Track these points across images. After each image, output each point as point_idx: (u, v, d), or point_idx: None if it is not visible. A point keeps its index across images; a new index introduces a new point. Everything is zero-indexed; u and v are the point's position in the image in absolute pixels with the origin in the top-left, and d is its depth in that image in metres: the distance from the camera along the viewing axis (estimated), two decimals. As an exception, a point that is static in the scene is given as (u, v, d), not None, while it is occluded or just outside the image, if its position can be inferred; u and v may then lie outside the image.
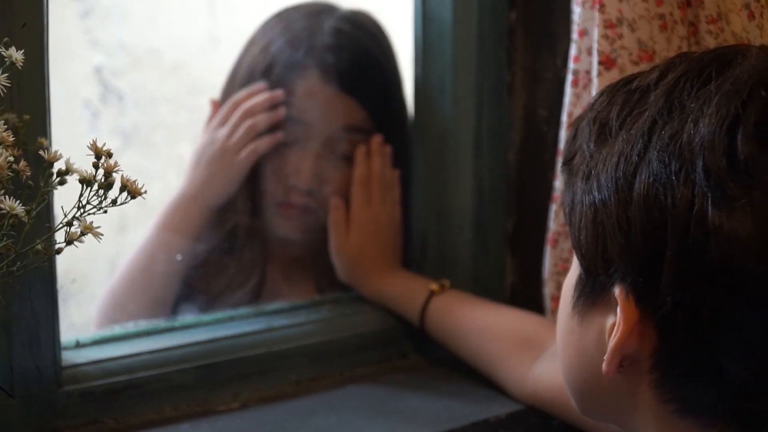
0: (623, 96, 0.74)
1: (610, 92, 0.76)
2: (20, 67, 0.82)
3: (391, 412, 1.09)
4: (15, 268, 0.82)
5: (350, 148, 1.31)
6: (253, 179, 1.35)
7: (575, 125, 0.78)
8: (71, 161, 0.81)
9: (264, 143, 1.30)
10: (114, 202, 0.81)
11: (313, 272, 1.38)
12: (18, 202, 0.78)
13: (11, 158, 0.79)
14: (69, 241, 0.80)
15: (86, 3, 1.73)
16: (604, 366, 0.71)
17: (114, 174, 0.80)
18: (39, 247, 0.81)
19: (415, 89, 1.27)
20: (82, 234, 0.79)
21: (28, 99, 0.92)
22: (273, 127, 1.31)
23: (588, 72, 1.05)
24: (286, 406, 1.11)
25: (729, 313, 0.64)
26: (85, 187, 0.80)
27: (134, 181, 0.81)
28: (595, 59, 1.01)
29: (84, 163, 0.80)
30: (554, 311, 1.14)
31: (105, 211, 0.81)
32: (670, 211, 0.66)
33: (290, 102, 1.31)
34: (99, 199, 0.80)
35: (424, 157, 1.27)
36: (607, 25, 1.00)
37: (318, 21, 1.33)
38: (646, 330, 0.69)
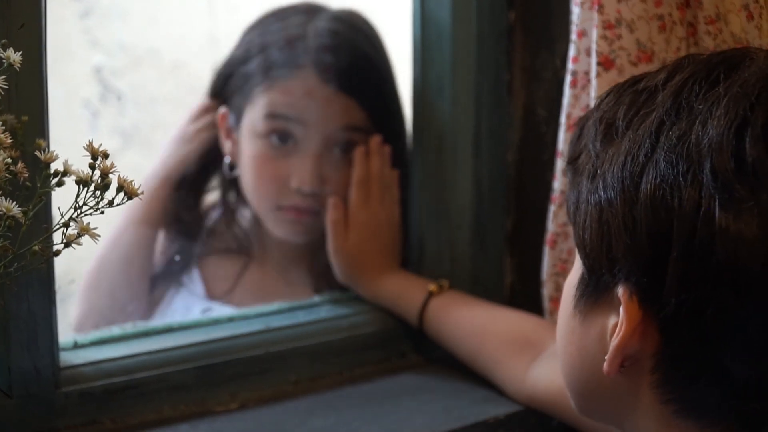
0: (630, 96, 0.74)
1: (616, 92, 0.76)
2: (18, 69, 0.82)
3: (390, 413, 1.09)
4: (12, 269, 0.82)
5: (349, 148, 1.31)
6: (244, 182, 1.36)
7: (580, 125, 0.78)
8: (70, 162, 0.81)
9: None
10: (111, 203, 0.81)
11: (311, 273, 1.38)
12: (15, 203, 0.78)
13: (9, 160, 0.79)
14: (66, 243, 0.80)
15: (86, 3, 1.72)
16: (605, 366, 0.71)
17: (111, 175, 0.80)
18: (36, 248, 0.81)
19: (414, 89, 1.27)
20: (79, 235, 0.79)
21: (26, 100, 0.92)
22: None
23: (587, 73, 1.05)
24: (285, 406, 1.11)
25: (733, 314, 0.65)
26: (81, 187, 0.80)
27: (131, 182, 0.81)
28: (593, 60, 1.01)
29: (84, 163, 0.80)
30: (553, 312, 1.14)
31: (102, 212, 0.81)
32: (676, 211, 0.66)
33: (288, 103, 1.31)
34: (96, 199, 0.80)
35: (423, 157, 1.27)
36: (606, 25, 1.00)
37: (311, 21, 1.33)
38: (648, 330, 0.69)
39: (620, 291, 0.70)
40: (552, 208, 1.12)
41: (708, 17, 0.97)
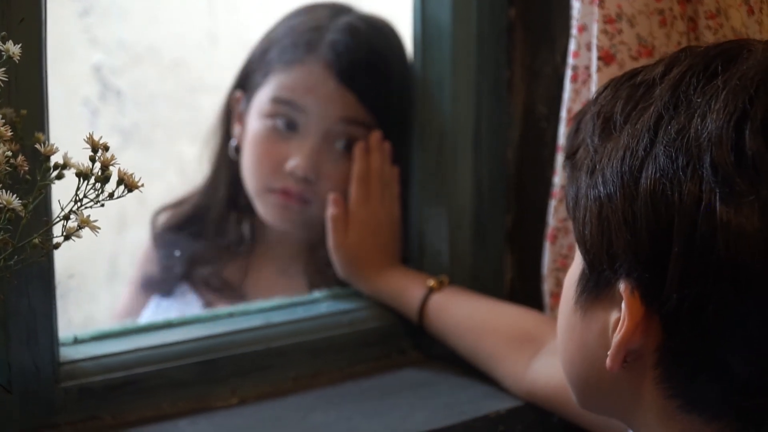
0: (627, 90, 0.74)
1: (614, 86, 0.75)
2: (17, 62, 0.81)
3: (390, 409, 1.09)
4: (12, 263, 0.82)
5: (351, 146, 1.31)
6: (240, 163, 1.36)
7: (578, 119, 0.77)
8: (69, 157, 0.81)
9: None
10: (111, 196, 0.81)
11: (308, 269, 1.38)
12: (15, 196, 0.78)
13: (9, 153, 0.79)
14: (67, 236, 0.80)
15: (85, 1, 1.72)
16: (608, 361, 0.71)
17: (111, 167, 0.80)
18: (36, 241, 0.81)
19: (415, 87, 1.27)
20: (80, 228, 0.79)
21: (26, 94, 0.92)
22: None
23: (587, 67, 1.05)
24: (285, 402, 1.11)
25: (735, 310, 0.64)
26: (82, 180, 0.80)
27: (131, 175, 0.81)
28: (594, 55, 1.01)
29: (83, 160, 0.80)
30: (553, 307, 1.14)
31: (102, 205, 0.81)
32: (677, 206, 0.65)
33: (294, 88, 1.31)
34: (96, 192, 0.80)
35: (423, 154, 1.27)
36: (607, 20, 1.00)
37: (337, 17, 1.34)
38: (650, 325, 0.69)
39: (622, 287, 0.69)
40: (552, 203, 1.12)
41: (708, 12, 0.97)
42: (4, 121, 0.81)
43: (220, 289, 1.39)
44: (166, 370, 1.07)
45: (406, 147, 1.31)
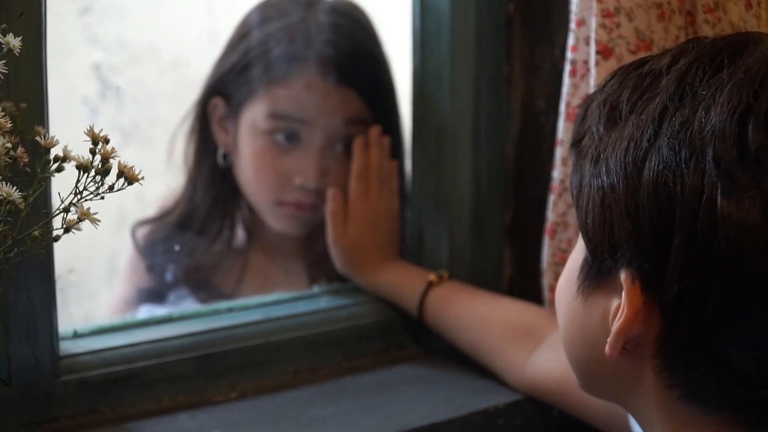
0: (634, 79, 0.73)
1: (621, 75, 0.75)
2: (17, 54, 0.82)
3: (389, 403, 1.09)
4: (12, 255, 0.82)
5: (350, 145, 1.31)
6: (243, 176, 1.35)
7: (585, 105, 0.77)
8: (69, 150, 0.81)
9: None
10: (111, 188, 0.81)
11: (307, 263, 1.38)
12: (15, 188, 0.78)
13: (9, 144, 0.79)
14: (67, 228, 0.80)
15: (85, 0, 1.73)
16: (607, 348, 0.71)
17: (111, 160, 0.80)
18: (36, 233, 0.81)
19: (413, 81, 1.27)
20: (80, 220, 0.79)
21: (25, 88, 0.92)
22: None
23: (586, 62, 1.05)
24: (284, 396, 1.11)
25: (735, 303, 0.64)
26: (82, 173, 0.81)
27: (131, 168, 0.81)
28: (592, 49, 1.01)
29: (83, 155, 0.80)
30: (552, 302, 1.14)
31: (102, 197, 0.81)
32: (678, 198, 0.65)
33: (292, 102, 1.31)
34: (96, 185, 0.80)
35: (422, 148, 1.27)
36: (605, 14, 1.00)
37: (312, 15, 1.33)
38: (651, 315, 0.69)
39: (623, 276, 0.69)
40: (551, 197, 1.12)
41: (706, 6, 0.97)
42: (4, 113, 0.81)
43: (219, 289, 1.39)
44: (165, 364, 1.07)
45: (402, 141, 1.31)
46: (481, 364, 1.14)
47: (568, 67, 1.07)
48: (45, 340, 0.98)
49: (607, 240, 0.70)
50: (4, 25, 0.83)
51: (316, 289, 1.28)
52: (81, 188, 0.80)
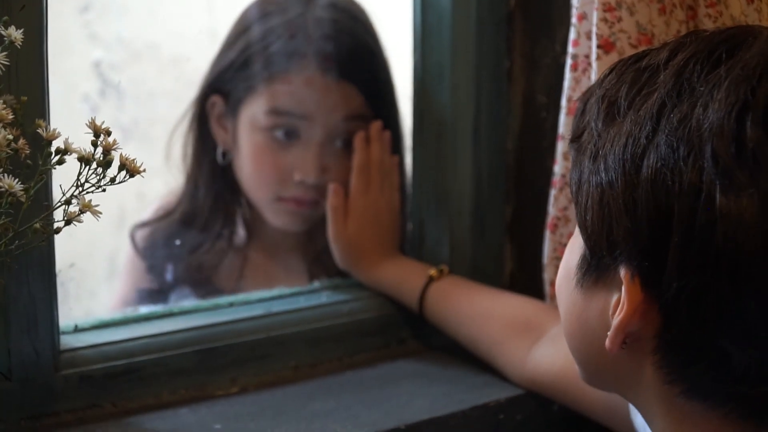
0: (632, 74, 0.73)
1: (619, 69, 0.75)
2: (19, 47, 0.82)
3: (390, 397, 1.09)
4: (13, 247, 0.82)
5: (350, 142, 1.31)
6: (242, 173, 1.35)
7: (584, 100, 0.77)
8: (70, 142, 0.81)
9: None
10: (113, 181, 0.81)
11: (307, 259, 1.38)
12: (16, 180, 0.78)
13: (10, 136, 0.79)
14: (68, 221, 0.80)
15: (85, -2, 1.73)
16: (607, 343, 0.71)
17: (113, 152, 0.80)
18: (37, 225, 0.81)
19: (414, 76, 1.27)
20: (81, 212, 0.79)
21: (26, 81, 0.92)
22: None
23: (587, 56, 1.05)
24: (285, 391, 1.11)
25: (733, 301, 0.64)
26: (83, 165, 0.80)
27: (133, 160, 0.81)
28: (594, 43, 1.01)
29: (85, 149, 0.80)
30: (553, 297, 1.14)
31: (104, 190, 0.81)
32: (677, 196, 0.65)
33: (292, 98, 1.31)
34: (98, 177, 0.80)
35: (422, 144, 1.27)
36: (606, 8, 1.00)
37: (310, 10, 1.33)
38: (650, 311, 0.68)
39: (622, 272, 0.69)
40: (552, 192, 1.12)
41: (708, 0, 0.97)
42: (5, 105, 0.81)
43: (220, 287, 1.39)
44: (166, 358, 1.07)
45: (401, 136, 1.31)
46: (481, 358, 1.14)
47: (569, 62, 1.07)
48: (46, 334, 0.98)
49: (605, 237, 0.70)
50: (6, 18, 0.84)
51: (316, 284, 1.28)
52: (83, 180, 0.80)
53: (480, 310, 1.14)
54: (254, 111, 1.33)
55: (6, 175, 0.78)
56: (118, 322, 1.10)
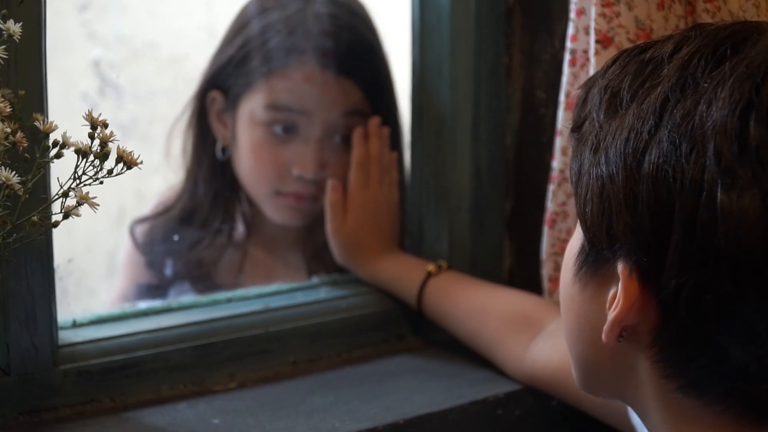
0: (636, 66, 0.72)
1: (623, 60, 0.74)
2: (18, 40, 0.82)
3: (389, 392, 1.09)
4: (11, 240, 0.82)
5: (349, 137, 1.31)
6: (241, 168, 1.35)
7: (586, 88, 0.76)
8: (68, 136, 0.81)
9: None
10: (110, 173, 0.81)
11: (305, 255, 1.38)
12: (14, 173, 0.78)
13: (8, 129, 0.79)
14: (66, 214, 0.80)
15: (85, -4, 1.73)
16: (603, 336, 0.71)
17: (110, 144, 0.80)
18: (35, 218, 0.81)
19: (413, 72, 1.27)
20: (78, 204, 0.79)
21: (25, 75, 0.92)
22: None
23: (585, 51, 1.05)
24: (284, 386, 1.11)
25: (733, 299, 0.64)
26: (81, 158, 0.80)
27: (130, 152, 0.81)
28: (592, 38, 1.01)
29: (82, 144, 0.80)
30: (552, 292, 1.14)
31: (101, 182, 0.81)
32: (678, 193, 0.65)
33: (290, 93, 1.31)
34: (95, 169, 0.80)
35: (421, 140, 1.27)
36: (605, 3, 1.00)
37: (309, 6, 1.33)
38: (647, 306, 0.68)
39: (620, 267, 0.69)
40: (551, 187, 1.12)
41: (706, -6, 0.97)
42: (3, 99, 0.81)
43: (219, 283, 1.39)
44: (165, 353, 1.07)
45: (400, 132, 1.31)
46: (480, 354, 1.14)
47: (567, 57, 1.07)
48: (44, 329, 0.98)
49: (605, 230, 0.70)
50: (5, 11, 0.84)
51: (315, 279, 1.28)
52: (80, 173, 0.80)
53: (478, 306, 1.14)
54: (253, 106, 1.33)
55: (4, 168, 0.78)
56: (117, 317, 1.10)
